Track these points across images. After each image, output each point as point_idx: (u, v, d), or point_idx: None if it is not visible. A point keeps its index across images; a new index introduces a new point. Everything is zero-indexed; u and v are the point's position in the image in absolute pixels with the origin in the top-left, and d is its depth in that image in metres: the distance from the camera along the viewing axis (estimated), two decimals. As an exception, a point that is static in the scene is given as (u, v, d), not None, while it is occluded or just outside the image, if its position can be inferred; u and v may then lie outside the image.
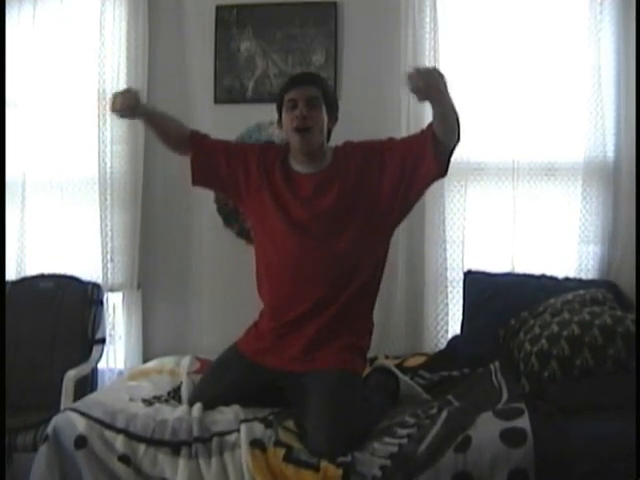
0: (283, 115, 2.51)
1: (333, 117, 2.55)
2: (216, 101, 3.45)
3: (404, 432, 2.17)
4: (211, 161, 2.61)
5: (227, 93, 3.44)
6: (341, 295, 2.44)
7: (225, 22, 3.43)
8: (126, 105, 2.46)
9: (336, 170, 2.51)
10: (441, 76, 2.20)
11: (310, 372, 2.37)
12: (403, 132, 3.18)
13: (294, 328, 2.46)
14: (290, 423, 2.28)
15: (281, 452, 2.11)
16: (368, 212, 2.47)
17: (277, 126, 2.61)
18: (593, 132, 3.08)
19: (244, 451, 2.12)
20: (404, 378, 2.66)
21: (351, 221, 2.45)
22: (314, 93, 2.48)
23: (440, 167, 2.39)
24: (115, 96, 2.49)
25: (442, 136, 2.34)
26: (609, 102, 3.10)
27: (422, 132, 2.45)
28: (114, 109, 2.48)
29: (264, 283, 2.58)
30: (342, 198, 2.46)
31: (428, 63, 3.15)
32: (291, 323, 2.47)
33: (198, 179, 2.64)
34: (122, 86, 3.39)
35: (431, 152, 2.36)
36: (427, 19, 3.17)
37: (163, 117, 2.65)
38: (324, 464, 2.06)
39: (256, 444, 2.13)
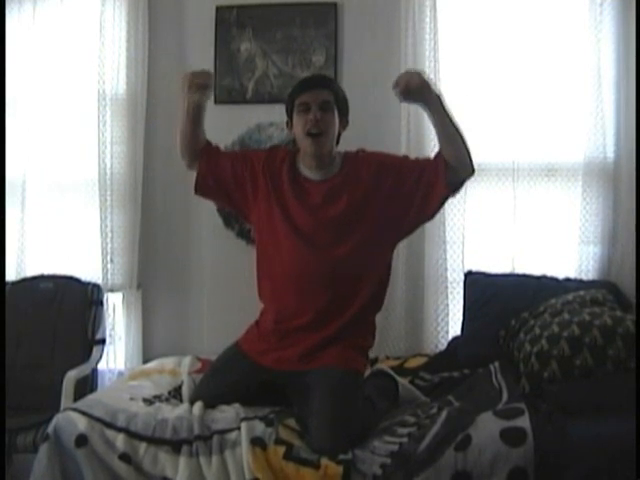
0: (294, 118, 2.49)
1: (344, 121, 2.54)
2: (216, 101, 3.44)
3: (404, 431, 2.17)
4: (217, 168, 2.58)
5: (227, 94, 3.44)
6: (346, 310, 2.44)
7: (225, 22, 3.43)
8: (207, 82, 2.44)
9: (346, 177, 2.49)
10: (419, 74, 2.35)
11: (312, 370, 2.37)
12: (403, 133, 3.20)
13: (297, 335, 2.45)
14: (291, 421, 2.28)
15: (281, 450, 2.11)
16: (373, 224, 2.45)
17: (287, 128, 2.59)
18: (593, 132, 3.08)
19: (245, 449, 2.12)
20: (403, 382, 2.65)
21: (355, 231, 2.44)
22: (327, 97, 2.46)
23: (450, 190, 2.43)
24: (192, 74, 2.44)
25: (452, 160, 2.37)
26: (609, 102, 3.10)
27: (434, 157, 2.47)
28: (197, 82, 2.42)
29: (266, 289, 2.57)
30: (351, 207, 2.45)
31: (428, 63, 3.16)
32: (294, 331, 2.46)
33: (202, 186, 2.61)
34: (122, 86, 3.41)
35: (443, 177, 2.39)
36: (427, 19, 3.18)
37: (203, 122, 2.59)
38: (324, 462, 2.06)
39: (256, 442, 2.13)
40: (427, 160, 2.54)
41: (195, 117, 2.52)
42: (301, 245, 2.45)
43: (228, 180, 2.57)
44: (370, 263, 2.49)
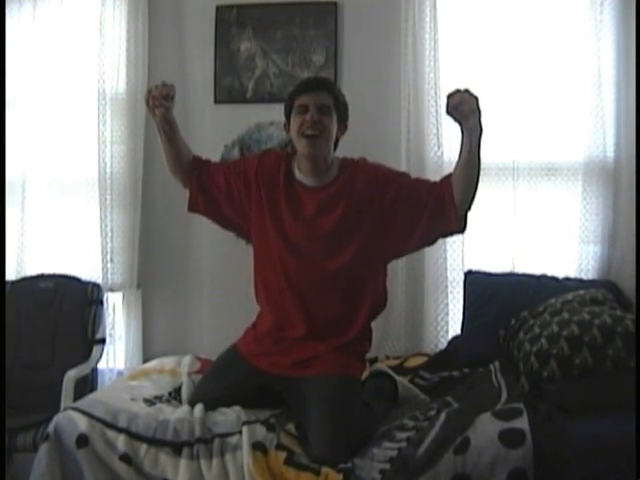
0: (292, 119, 2.44)
1: (342, 126, 2.49)
2: (216, 101, 3.45)
3: (403, 435, 2.16)
4: (209, 184, 2.54)
5: (227, 93, 3.44)
6: (346, 326, 2.42)
7: (225, 22, 3.42)
8: (165, 92, 2.36)
9: (342, 185, 2.45)
10: (476, 100, 2.21)
11: (308, 377, 2.35)
12: (403, 133, 3.19)
13: (293, 343, 2.44)
14: (291, 426, 2.28)
15: (282, 455, 2.11)
16: (366, 238, 2.41)
17: (284, 130, 2.55)
18: (593, 132, 3.08)
19: (245, 453, 2.12)
20: (402, 381, 2.64)
21: (348, 244, 2.41)
22: (326, 100, 2.42)
23: (459, 223, 2.38)
24: (153, 87, 2.39)
25: (459, 193, 2.33)
26: (609, 102, 3.09)
27: (442, 184, 2.41)
28: (154, 94, 2.37)
29: (262, 296, 2.55)
30: (345, 219, 2.41)
31: (428, 63, 3.16)
32: (290, 340, 2.45)
33: (195, 203, 2.57)
34: (122, 86, 3.40)
35: (451, 206, 2.34)
36: (427, 19, 3.17)
37: (181, 137, 2.54)
38: (325, 469, 2.06)
39: (257, 446, 2.13)
40: (432, 184, 2.46)
41: (169, 133, 2.47)
42: (292, 257, 2.42)
43: (222, 195, 2.54)
44: (366, 276, 2.45)
